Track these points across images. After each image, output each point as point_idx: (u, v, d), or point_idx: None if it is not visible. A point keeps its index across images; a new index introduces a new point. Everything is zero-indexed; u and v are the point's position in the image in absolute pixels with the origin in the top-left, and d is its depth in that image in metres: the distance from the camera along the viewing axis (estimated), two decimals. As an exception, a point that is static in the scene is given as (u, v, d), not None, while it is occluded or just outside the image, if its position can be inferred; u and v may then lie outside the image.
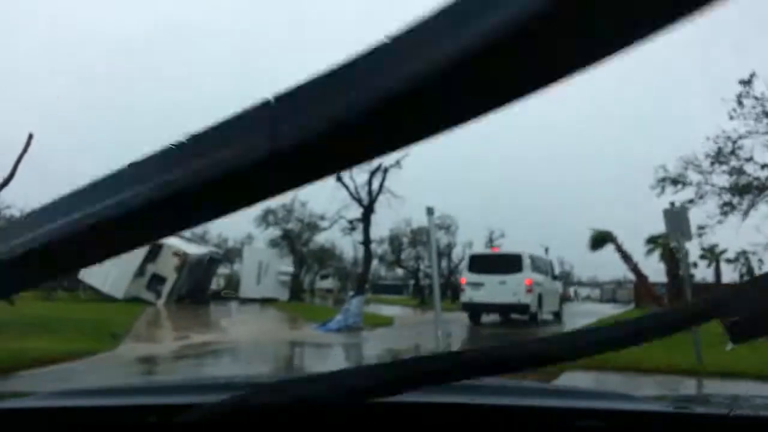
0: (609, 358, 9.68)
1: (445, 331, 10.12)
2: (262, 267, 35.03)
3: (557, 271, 24.78)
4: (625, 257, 23.96)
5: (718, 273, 34.66)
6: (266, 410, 0.74)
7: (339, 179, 17.32)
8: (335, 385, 0.68)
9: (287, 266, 35.03)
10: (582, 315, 24.87)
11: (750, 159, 12.11)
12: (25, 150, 9.72)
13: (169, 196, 0.34)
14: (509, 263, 18.69)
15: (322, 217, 20.54)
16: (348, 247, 44.28)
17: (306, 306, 31.56)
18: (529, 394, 1.27)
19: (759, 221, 12.55)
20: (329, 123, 0.31)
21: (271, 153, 0.32)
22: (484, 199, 66.02)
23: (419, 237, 36.59)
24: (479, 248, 36.54)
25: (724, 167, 12.19)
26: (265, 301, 32.83)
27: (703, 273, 35.52)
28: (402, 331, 17.69)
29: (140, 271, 28.75)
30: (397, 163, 18.18)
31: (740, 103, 11.82)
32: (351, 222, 19.16)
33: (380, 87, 0.31)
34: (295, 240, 34.56)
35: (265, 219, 34.39)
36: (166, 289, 29.28)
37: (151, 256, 28.97)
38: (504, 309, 19.04)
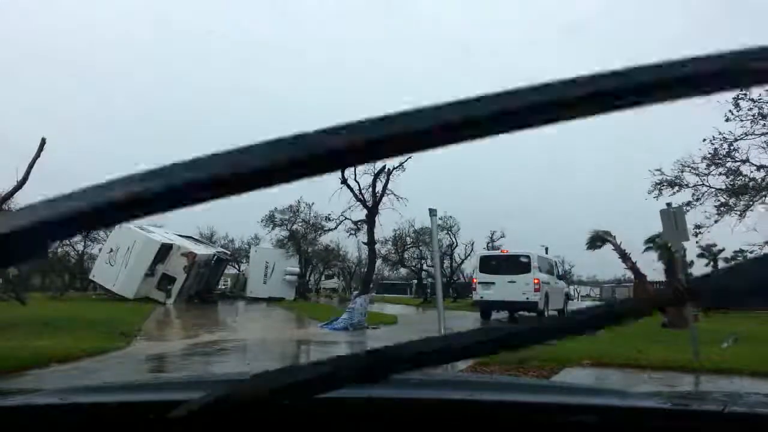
0: (607, 354, 9.93)
1: (448, 328, 10.34)
2: (269, 267, 35.37)
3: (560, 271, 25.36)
4: (623, 256, 24.07)
5: (715, 272, 34.79)
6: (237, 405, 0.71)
7: (344, 181, 17.54)
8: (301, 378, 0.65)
9: (293, 266, 35.36)
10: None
11: (746, 160, 12.30)
12: (38, 154, 9.97)
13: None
14: (518, 264, 20.03)
15: (328, 218, 20.82)
16: (352, 247, 44.57)
17: (311, 305, 31.85)
18: (522, 391, 1.27)
19: (755, 221, 12.79)
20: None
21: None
22: (484, 200, 66.43)
23: (422, 237, 36.82)
24: (480, 249, 36.83)
25: (721, 169, 12.40)
26: (272, 301, 33.17)
27: (701, 272, 35.48)
28: (406, 329, 17.91)
29: (150, 271, 29.11)
30: (401, 165, 18.40)
31: (737, 105, 12.00)
32: (356, 223, 19.41)
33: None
34: (301, 240, 34.84)
35: (271, 220, 34.72)
36: (175, 288, 29.63)
37: (161, 257, 29.33)
38: (513, 307, 20.24)
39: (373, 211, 17.84)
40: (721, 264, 35.33)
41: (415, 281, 52.32)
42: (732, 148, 12.21)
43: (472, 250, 40.11)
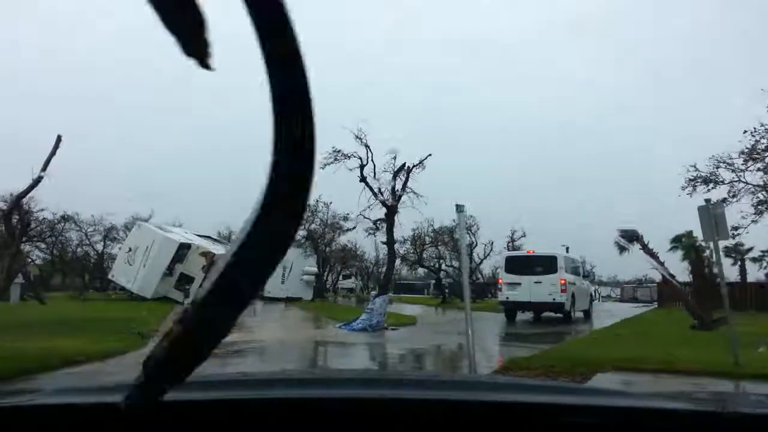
0: (638, 358, 9.46)
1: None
2: (286, 267, 35.22)
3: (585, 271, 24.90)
4: (652, 256, 23.45)
5: (743, 272, 33.78)
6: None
7: (363, 180, 17.23)
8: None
9: (311, 266, 35.18)
10: (607, 313, 24.49)
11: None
12: (54, 151, 9.84)
13: None
14: (545, 264, 19.81)
15: (346, 218, 20.46)
16: (369, 247, 44.31)
17: (329, 305, 31.65)
18: (522, 391, 1.26)
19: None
20: None
21: None
22: (504, 199, 65.58)
23: (441, 237, 36.40)
24: (499, 248, 36.40)
25: (759, 164, 11.83)
26: (290, 301, 33.00)
27: (727, 271, 34.56)
28: (426, 329, 17.59)
29: (169, 271, 29.13)
30: (421, 163, 18.03)
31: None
32: (375, 222, 19.06)
33: None
34: (319, 240, 34.64)
35: (289, 219, 34.53)
36: (193, 288, 29.58)
37: (179, 256, 29.34)
38: (539, 307, 20.09)
39: (392, 210, 17.49)
40: (748, 264, 34.37)
41: (433, 281, 52.02)
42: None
43: (491, 249, 39.64)
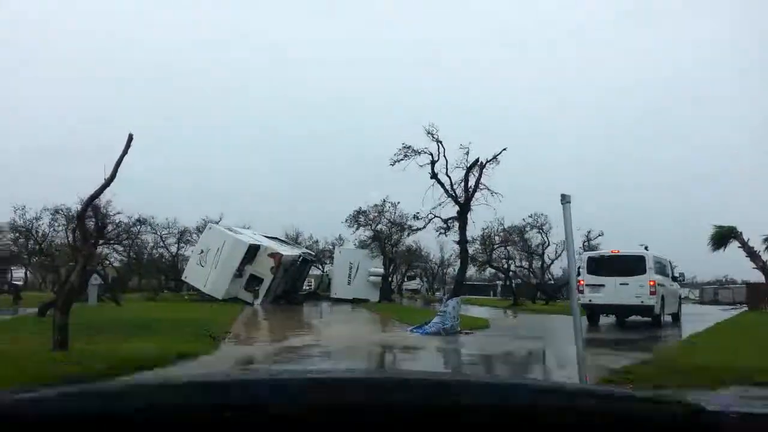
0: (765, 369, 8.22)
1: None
2: (353, 268, 35.02)
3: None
4: (752, 255, 21.50)
5: None
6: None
7: (434, 176, 16.50)
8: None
9: (377, 267, 34.76)
10: (695, 317, 22.59)
11: None
12: (125, 151, 9.67)
13: None
14: (632, 264, 18.60)
15: (416, 216, 19.77)
16: (434, 248, 43.48)
17: (397, 307, 31.08)
18: (523, 391, 1.19)
19: None
20: None
21: None
22: (577, 197, 62.62)
23: (511, 236, 35.10)
24: (576, 248, 34.57)
25: None
26: (357, 302, 32.70)
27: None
28: (502, 333, 16.68)
29: (239, 272, 29.46)
30: (495, 158, 17.12)
31: None
32: (446, 221, 18.28)
33: None
34: (386, 241, 34.17)
35: (356, 220, 34.30)
36: (262, 289, 29.83)
37: (249, 257, 29.62)
38: (626, 311, 18.87)
39: (465, 208, 16.66)
40: None
41: (498, 282, 50.51)
42: None
43: (563, 249, 37.88)
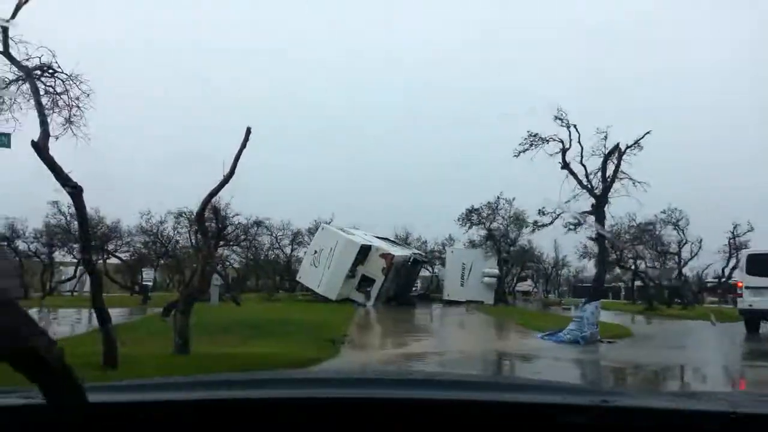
0: None
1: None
2: (466, 268, 33.62)
3: None
4: None
5: None
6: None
7: (565, 166, 14.81)
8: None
9: (492, 267, 33.05)
10: None
11: None
12: (243, 145, 9.19)
13: None
14: None
15: (542, 212, 18.04)
16: (547, 246, 40.95)
17: (514, 309, 29.29)
18: (522, 391, 1.22)
19: None
20: None
21: None
22: (716, 189, 55.86)
23: (643, 233, 31.88)
24: (713, 245, 30.94)
25: None
26: (470, 304, 31.26)
27: None
28: (650, 343, 14.66)
29: (351, 273, 29.16)
30: (636, 143, 15.12)
31: None
32: (578, 216, 16.45)
33: None
34: (501, 240, 32.40)
35: (468, 218, 32.84)
36: (374, 290, 29.32)
37: (361, 258, 29.26)
38: None
39: (602, 201, 14.80)
40: None
41: (621, 284, 46.56)
42: None
43: (699, 248, 33.98)
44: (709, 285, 39.98)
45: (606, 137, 14.81)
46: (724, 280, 34.85)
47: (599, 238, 15.29)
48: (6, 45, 6.85)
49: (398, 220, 52.38)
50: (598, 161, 15.03)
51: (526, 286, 51.82)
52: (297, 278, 33.84)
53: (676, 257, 34.34)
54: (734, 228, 32.24)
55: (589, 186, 14.77)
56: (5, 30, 6.98)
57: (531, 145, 15.28)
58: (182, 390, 1.20)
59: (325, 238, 30.32)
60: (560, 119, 15.06)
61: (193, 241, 28.98)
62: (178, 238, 32.88)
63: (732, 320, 19.46)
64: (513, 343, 14.16)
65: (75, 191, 6.86)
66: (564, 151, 14.90)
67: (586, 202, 15.20)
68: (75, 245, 27.89)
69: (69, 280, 35.44)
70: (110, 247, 32.46)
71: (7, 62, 7.08)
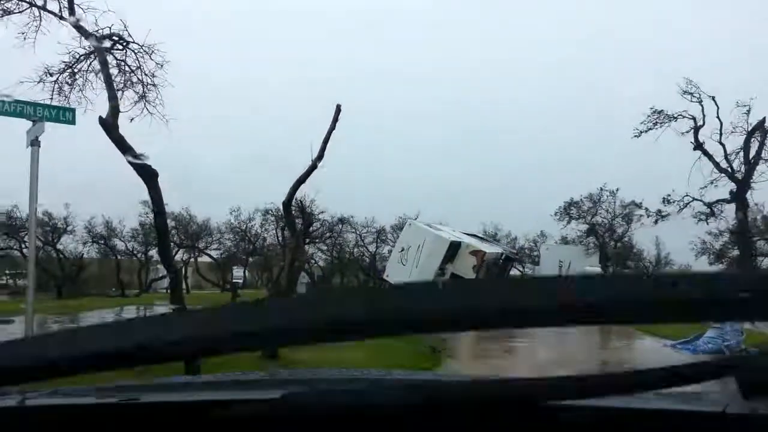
0: None
1: None
2: (564, 267, 31.42)
3: None
4: None
5: None
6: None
7: (699, 146, 12.70)
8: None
9: (593, 265, 30.64)
10: None
11: None
12: (333, 125, 8.15)
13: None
14: None
15: (667, 200, 15.84)
16: (648, 243, 37.74)
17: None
18: (522, 390, 1.14)
19: None
20: None
21: None
22: None
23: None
24: None
25: None
26: (570, 306, 29.07)
27: None
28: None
29: (441, 271, 27.83)
30: (785, 117, 12.70)
31: None
32: (710, 205, 14.17)
33: None
34: (605, 235, 29.89)
35: (567, 212, 30.56)
36: (464, 290, 27.84)
37: (450, 255, 27.90)
38: None
39: (743, 187, 12.54)
40: None
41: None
42: None
43: None
44: None
45: (749, 111, 12.54)
46: None
47: (741, 232, 13.00)
48: (72, 10, 6.14)
49: (488, 216, 50.20)
50: (738, 140, 12.79)
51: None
52: (384, 276, 32.94)
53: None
54: None
55: (728, 169, 12.55)
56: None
57: (655, 123, 13.24)
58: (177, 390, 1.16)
59: (412, 234, 29.19)
60: (690, 93, 12.94)
61: (280, 238, 28.77)
62: (265, 236, 32.96)
63: None
64: (641, 354, 12.27)
65: (148, 173, 6.02)
66: (696, 128, 12.75)
67: (724, 189, 13.01)
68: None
69: (164, 277, 36.56)
70: (201, 245, 33.03)
71: (77, 34, 6.35)
